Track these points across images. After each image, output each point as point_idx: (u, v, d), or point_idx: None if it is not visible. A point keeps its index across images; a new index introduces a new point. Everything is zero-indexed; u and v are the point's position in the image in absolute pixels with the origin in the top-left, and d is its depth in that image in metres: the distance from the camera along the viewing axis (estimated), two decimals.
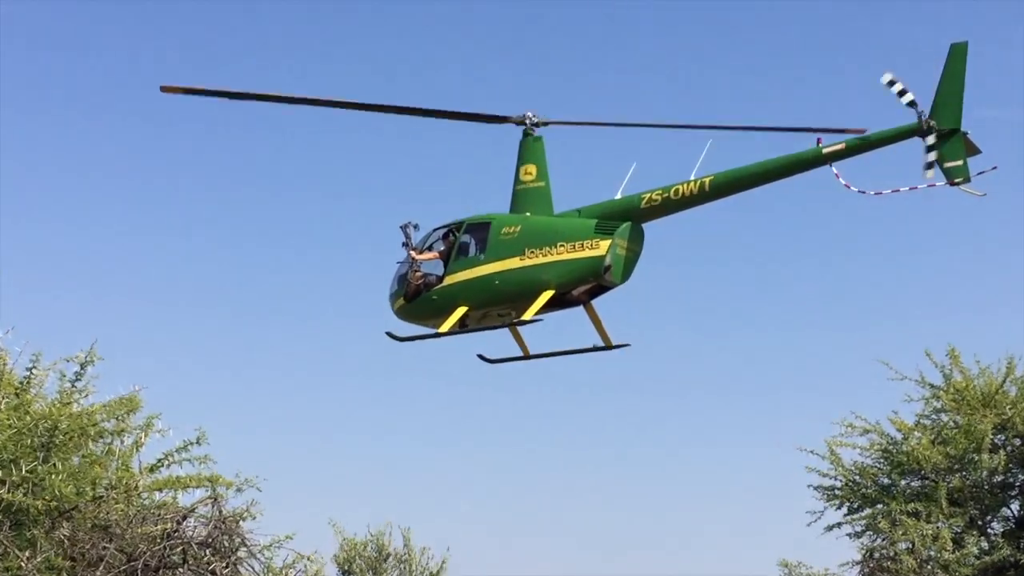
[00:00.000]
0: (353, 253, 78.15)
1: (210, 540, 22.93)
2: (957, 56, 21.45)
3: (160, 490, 23.68)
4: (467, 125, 24.21)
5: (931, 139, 21.30)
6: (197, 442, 23.69)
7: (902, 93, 21.49)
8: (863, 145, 22.21)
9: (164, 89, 22.90)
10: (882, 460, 32.75)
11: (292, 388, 76.44)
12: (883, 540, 31.44)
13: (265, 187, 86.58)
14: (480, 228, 24.02)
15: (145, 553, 22.26)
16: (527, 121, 24.26)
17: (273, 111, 79.69)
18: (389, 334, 23.91)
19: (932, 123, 21.40)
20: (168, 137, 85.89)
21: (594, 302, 24.18)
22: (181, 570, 22.64)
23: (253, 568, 23.41)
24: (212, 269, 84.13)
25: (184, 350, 76.29)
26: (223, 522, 23.03)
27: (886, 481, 32.41)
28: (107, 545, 22.28)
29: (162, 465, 23.81)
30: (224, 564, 22.76)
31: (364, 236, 74.97)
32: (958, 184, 21.52)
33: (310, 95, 23.43)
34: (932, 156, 21.35)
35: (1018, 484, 32.52)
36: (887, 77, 21.54)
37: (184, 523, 22.98)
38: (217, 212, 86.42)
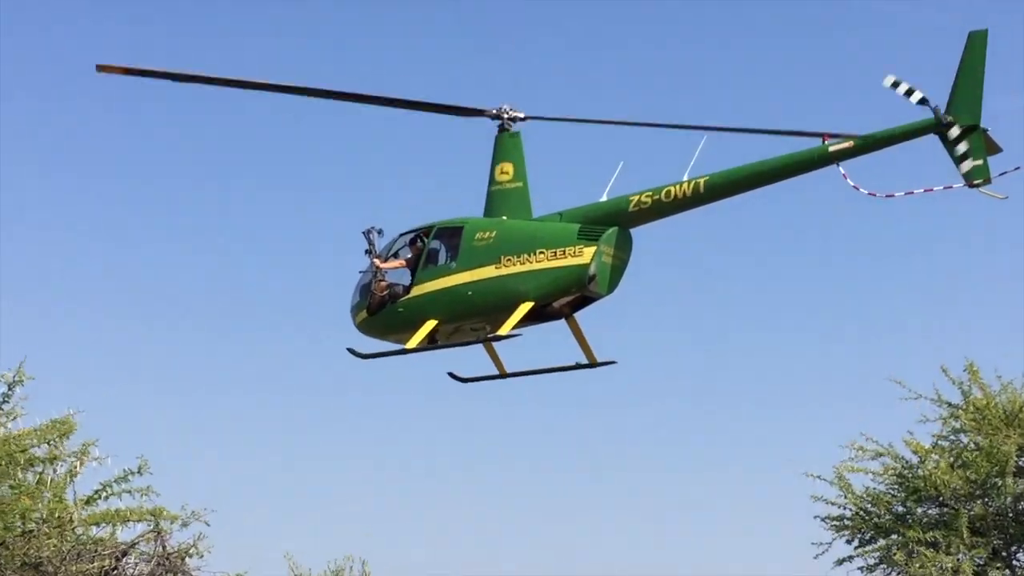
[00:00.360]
0: (311, 261, 76.31)
1: None
2: (976, 45, 20.63)
3: (97, 524, 23.20)
4: (437, 119, 23.51)
5: (953, 132, 20.51)
6: (138, 471, 23.40)
7: (909, 92, 20.72)
8: (873, 143, 21.44)
9: (100, 68, 22.08)
10: (896, 486, 31.81)
11: (242, 411, 72.61)
12: (898, 574, 30.63)
13: (212, 193, 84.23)
14: (451, 233, 23.11)
15: None
16: (503, 115, 23.38)
17: (220, 103, 77.70)
18: (351, 351, 23.01)
19: (950, 119, 20.55)
20: (109, 138, 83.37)
21: (577, 315, 23.30)
22: None
23: None
24: (154, 282, 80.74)
25: (123, 370, 72.75)
26: (167, 559, 23.99)
27: (901, 509, 31.54)
28: None
29: (99, 496, 23.42)
30: None
31: (323, 243, 73.21)
32: (977, 186, 20.71)
33: (263, 79, 22.46)
34: (954, 153, 20.64)
35: None
36: (889, 80, 20.79)
37: (124, 560, 22.99)
38: (160, 221, 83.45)
